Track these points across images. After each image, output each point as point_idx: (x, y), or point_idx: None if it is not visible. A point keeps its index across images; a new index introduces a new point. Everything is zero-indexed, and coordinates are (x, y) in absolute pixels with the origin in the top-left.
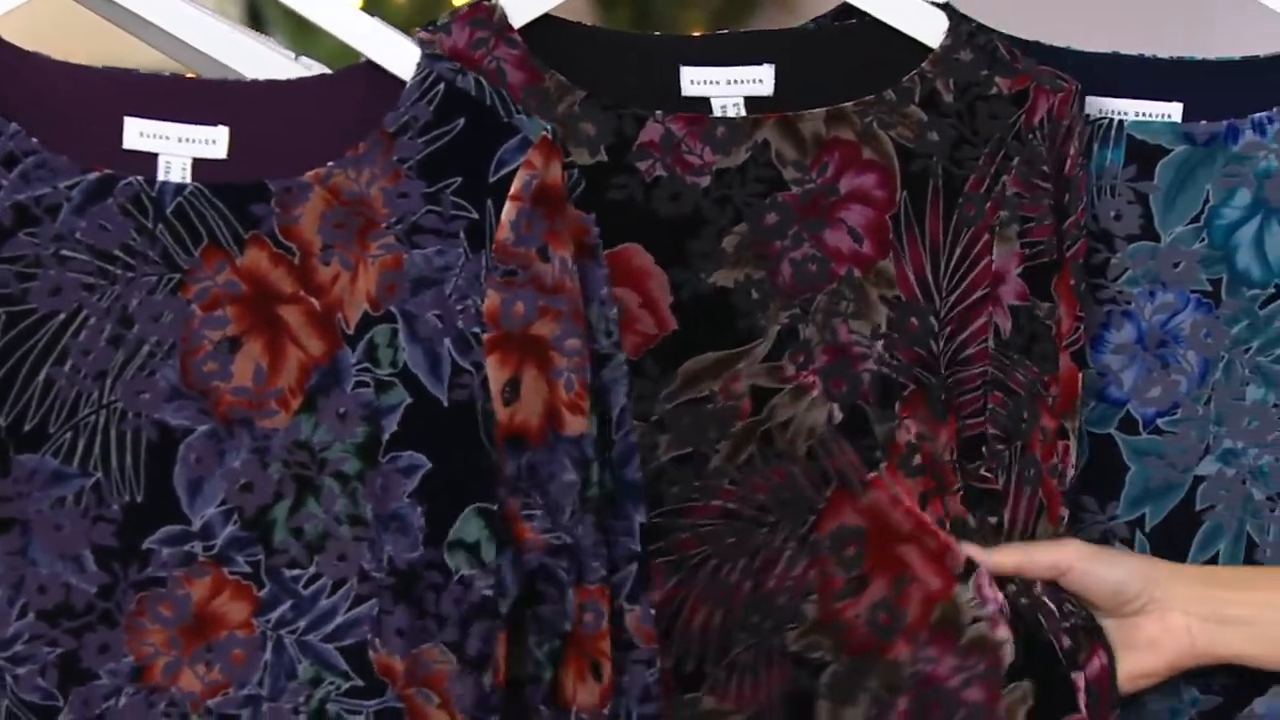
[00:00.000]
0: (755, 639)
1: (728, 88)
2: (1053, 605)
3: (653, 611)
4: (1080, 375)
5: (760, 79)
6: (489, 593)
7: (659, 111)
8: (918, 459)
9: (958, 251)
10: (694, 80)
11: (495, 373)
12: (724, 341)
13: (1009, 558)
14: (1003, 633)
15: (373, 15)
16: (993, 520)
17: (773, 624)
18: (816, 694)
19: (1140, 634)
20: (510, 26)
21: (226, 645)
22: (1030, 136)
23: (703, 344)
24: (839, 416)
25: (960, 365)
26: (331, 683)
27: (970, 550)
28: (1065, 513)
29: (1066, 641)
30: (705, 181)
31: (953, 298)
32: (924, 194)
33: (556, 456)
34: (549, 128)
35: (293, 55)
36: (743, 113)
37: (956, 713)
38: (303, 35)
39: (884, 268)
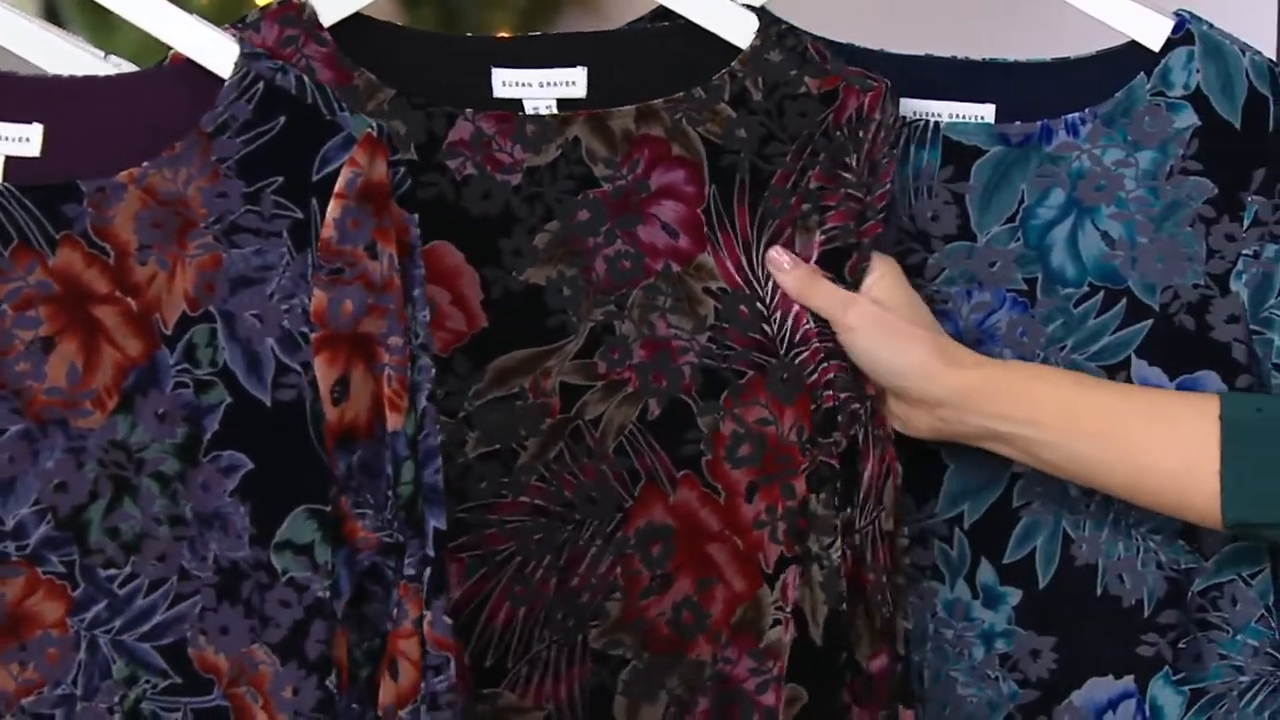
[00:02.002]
0: (558, 636)
1: (540, 90)
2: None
3: (446, 618)
4: None
5: (572, 81)
6: (324, 594)
7: (469, 110)
8: (745, 448)
9: (764, 241)
10: (506, 82)
11: (324, 372)
12: (535, 339)
13: (800, 281)
14: (789, 635)
15: None
16: (836, 500)
17: (576, 621)
18: (616, 691)
19: (894, 405)
20: (320, 25)
21: (40, 644)
22: (838, 133)
23: (513, 341)
24: (656, 412)
25: (800, 345)
26: (148, 681)
27: (774, 256)
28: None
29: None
30: (516, 179)
31: (771, 284)
32: (731, 188)
33: (385, 452)
34: (373, 124)
35: (102, 54)
36: (554, 112)
37: (752, 715)
38: (101, 32)
39: (704, 260)
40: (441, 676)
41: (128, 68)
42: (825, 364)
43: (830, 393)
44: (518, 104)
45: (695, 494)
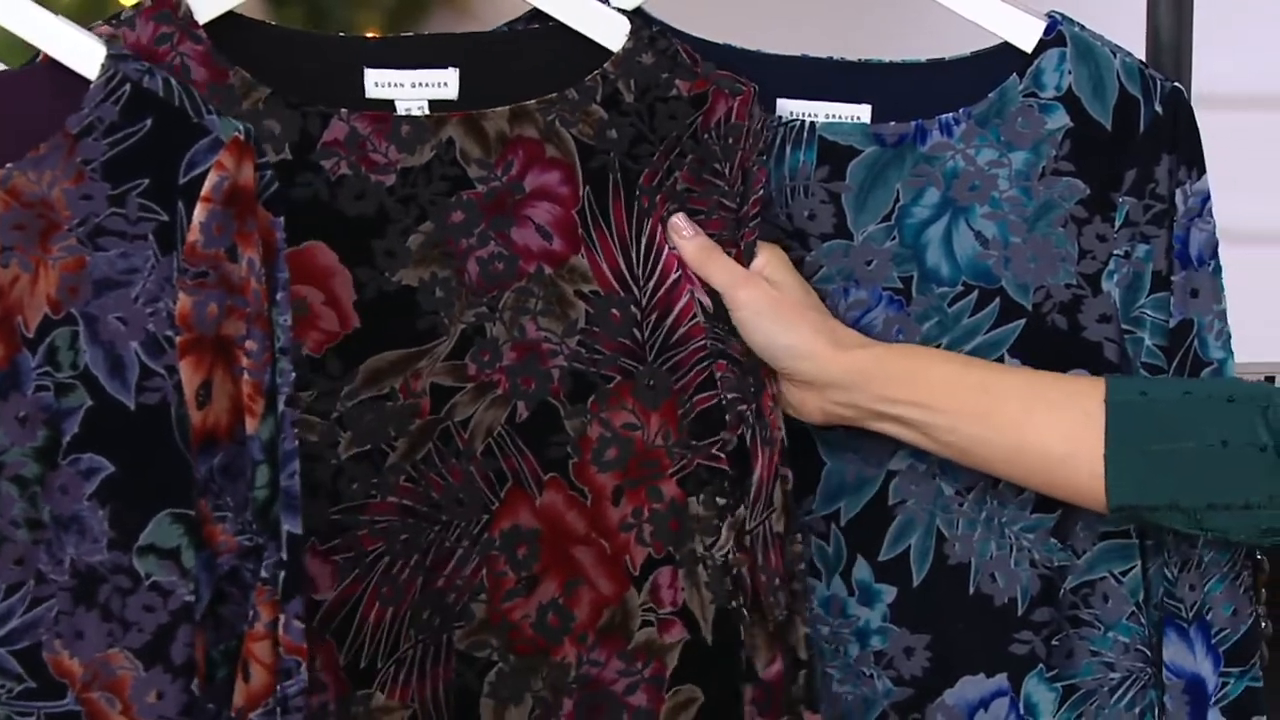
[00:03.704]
0: (424, 636)
1: (412, 90)
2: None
3: (298, 623)
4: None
5: (444, 82)
6: (190, 598)
7: (344, 110)
8: (611, 452)
9: (642, 241)
10: (378, 82)
11: (189, 375)
12: (407, 340)
13: (700, 250)
14: (671, 637)
15: None
16: (720, 500)
17: (442, 621)
18: (482, 692)
19: (786, 391)
20: (195, 23)
21: None
22: (706, 137)
23: (385, 342)
24: (525, 414)
25: (675, 347)
26: (3, 686)
27: (675, 222)
28: (788, 474)
29: (752, 644)
30: (390, 180)
31: (650, 284)
32: (605, 189)
33: (246, 455)
34: (240, 128)
35: None
36: (427, 113)
37: (621, 716)
38: None
39: (577, 263)
40: (292, 680)
41: None
42: (706, 364)
43: (709, 394)
44: (390, 104)
45: (562, 497)
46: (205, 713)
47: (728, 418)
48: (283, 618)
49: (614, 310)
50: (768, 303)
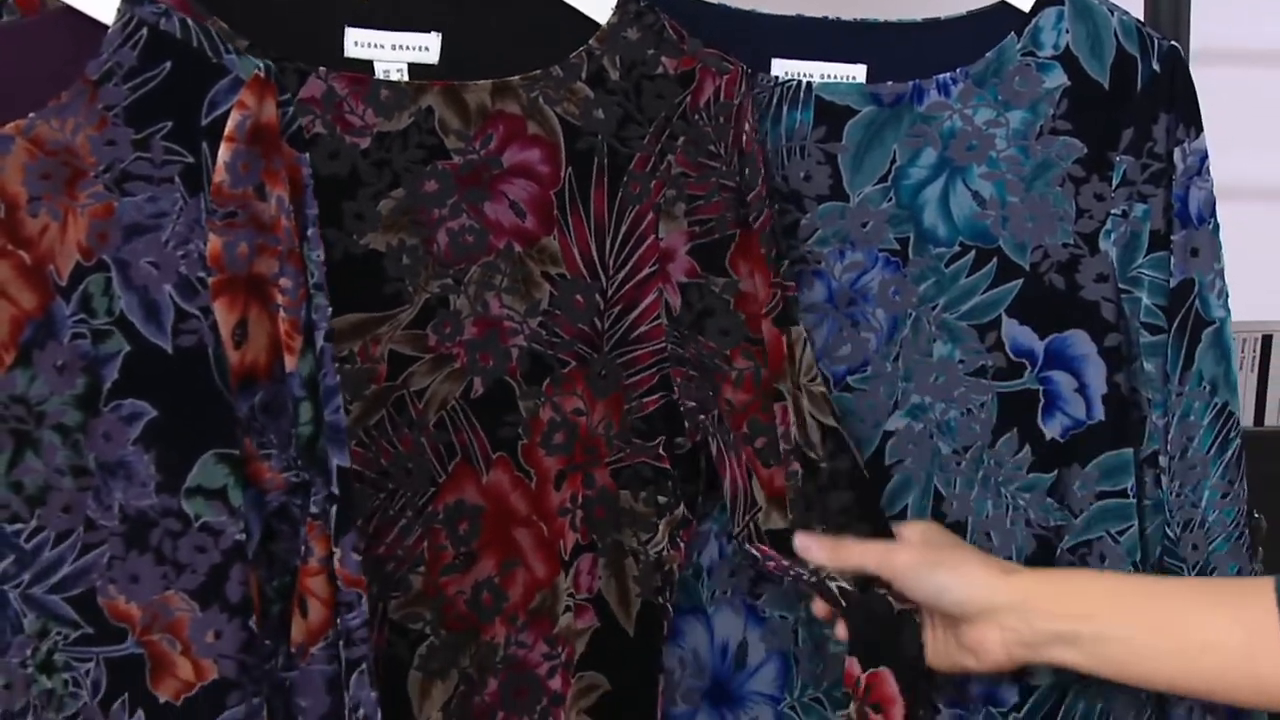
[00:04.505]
0: None
1: (392, 52)
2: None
3: (355, 555)
4: (785, 337)
5: (426, 46)
6: (241, 537)
7: (322, 69)
8: (559, 436)
9: (623, 229)
10: (358, 42)
11: (224, 316)
12: (369, 304)
13: (832, 553)
14: (583, 623)
15: None
16: (661, 499)
17: (379, 590)
18: (411, 665)
19: (965, 638)
20: None
21: None
22: (696, 117)
23: (348, 305)
24: (480, 390)
25: (633, 344)
26: (59, 633)
27: (800, 543)
28: (796, 468)
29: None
30: (365, 143)
31: (620, 275)
32: (589, 171)
33: (286, 392)
34: (261, 65)
35: None
36: (405, 79)
37: (540, 700)
38: None
39: (548, 244)
40: (354, 613)
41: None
42: (662, 367)
43: (659, 395)
44: (368, 65)
45: (508, 477)
46: (262, 648)
47: (686, 425)
48: (338, 551)
49: (578, 295)
50: (924, 556)
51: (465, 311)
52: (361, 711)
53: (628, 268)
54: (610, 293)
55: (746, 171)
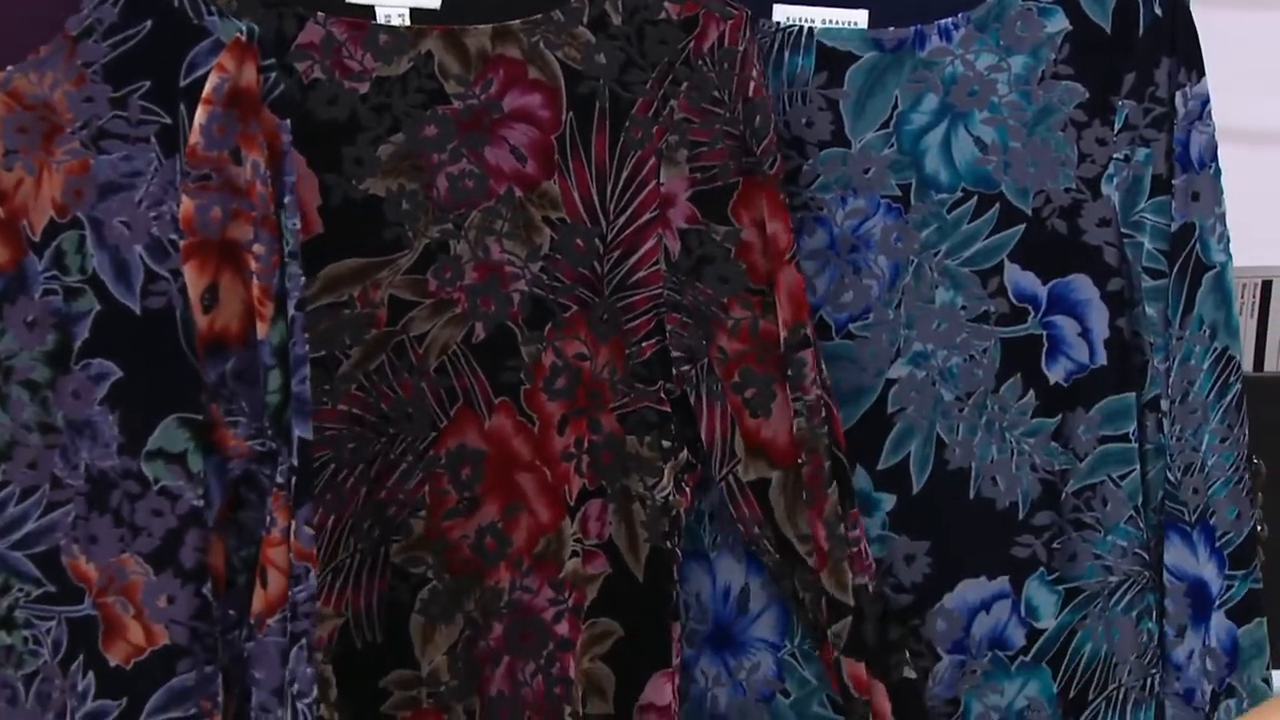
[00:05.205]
0: (363, 546)
1: None
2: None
3: (308, 529)
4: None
5: None
6: (199, 503)
7: (321, 14)
8: (562, 381)
9: (624, 174)
10: None
11: (194, 279)
12: (369, 249)
13: None
14: (594, 569)
15: None
16: (665, 443)
17: (380, 534)
18: (413, 609)
19: None
20: None
21: None
22: (700, 63)
23: (348, 250)
24: (482, 335)
25: (631, 289)
26: (21, 589)
27: None
28: (827, 414)
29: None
30: (364, 88)
31: (620, 220)
32: (590, 116)
33: (257, 359)
34: (243, 29)
35: None
36: (407, 23)
37: (547, 645)
38: None
39: (548, 189)
40: (301, 586)
41: None
42: (658, 312)
43: (657, 340)
44: (369, 10)
45: (510, 421)
46: (226, 618)
47: (674, 371)
48: (294, 523)
49: (578, 240)
50: None
51: (466, 257)
52: (296, 686)
53: (628, 213)
54: (610, 237)
55: (757, 119)
